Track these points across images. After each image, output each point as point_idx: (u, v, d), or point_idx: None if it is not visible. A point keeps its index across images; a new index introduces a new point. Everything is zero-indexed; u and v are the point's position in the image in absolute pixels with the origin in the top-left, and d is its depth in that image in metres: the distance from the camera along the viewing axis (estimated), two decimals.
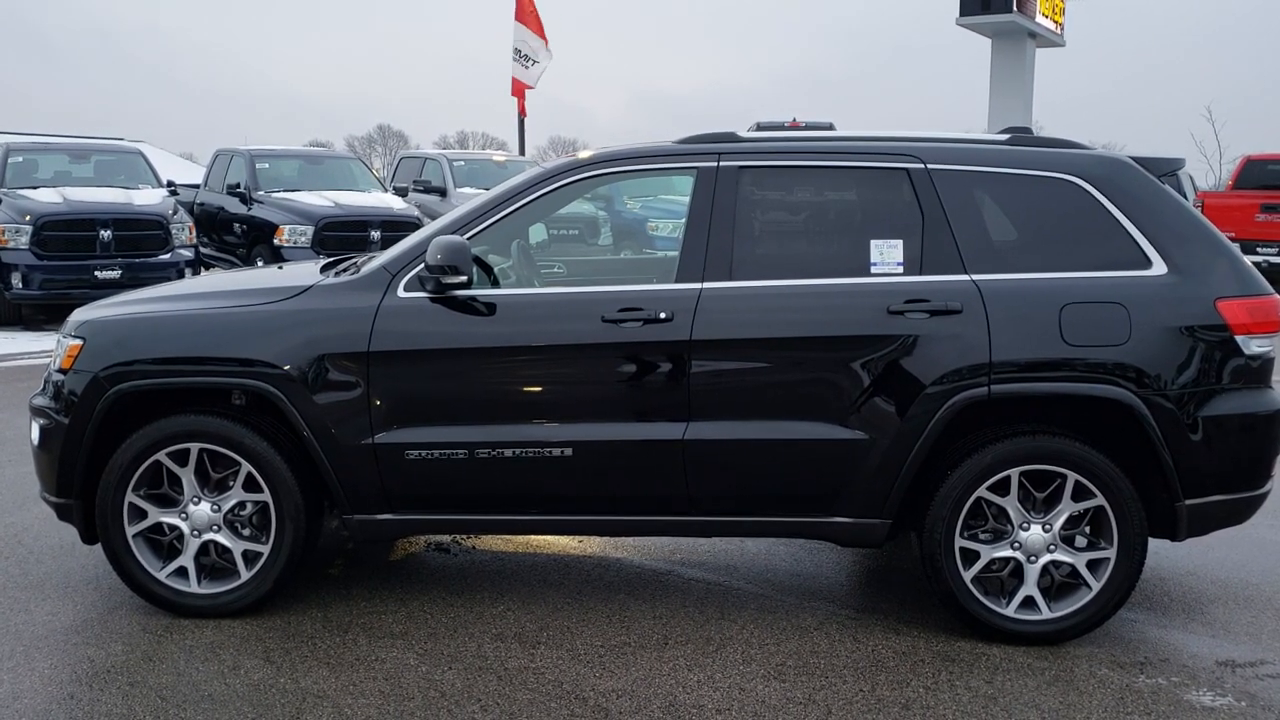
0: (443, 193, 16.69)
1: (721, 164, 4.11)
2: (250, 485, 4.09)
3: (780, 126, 4.42)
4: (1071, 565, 3.92)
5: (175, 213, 13.02)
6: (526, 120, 20.62)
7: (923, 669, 3.77)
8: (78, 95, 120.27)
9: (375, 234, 13.62)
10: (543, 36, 20.04)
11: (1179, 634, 4.10)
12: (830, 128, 4.41)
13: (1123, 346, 3.83)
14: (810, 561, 4.88)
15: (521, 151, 21.28)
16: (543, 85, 20.49)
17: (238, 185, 14.56)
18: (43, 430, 4.19)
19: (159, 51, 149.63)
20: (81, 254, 12.15)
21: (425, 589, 4.49)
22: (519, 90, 20.22)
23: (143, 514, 4.11)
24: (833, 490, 3.97)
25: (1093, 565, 3.91)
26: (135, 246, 12.47)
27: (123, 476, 4.05)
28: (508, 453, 3.99)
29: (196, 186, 16.03)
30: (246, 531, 4.14)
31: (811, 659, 3.84)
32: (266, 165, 14.84)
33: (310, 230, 13.34)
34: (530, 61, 20.05)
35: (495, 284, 4.30)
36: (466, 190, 16.07)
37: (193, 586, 4.13)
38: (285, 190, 14.39)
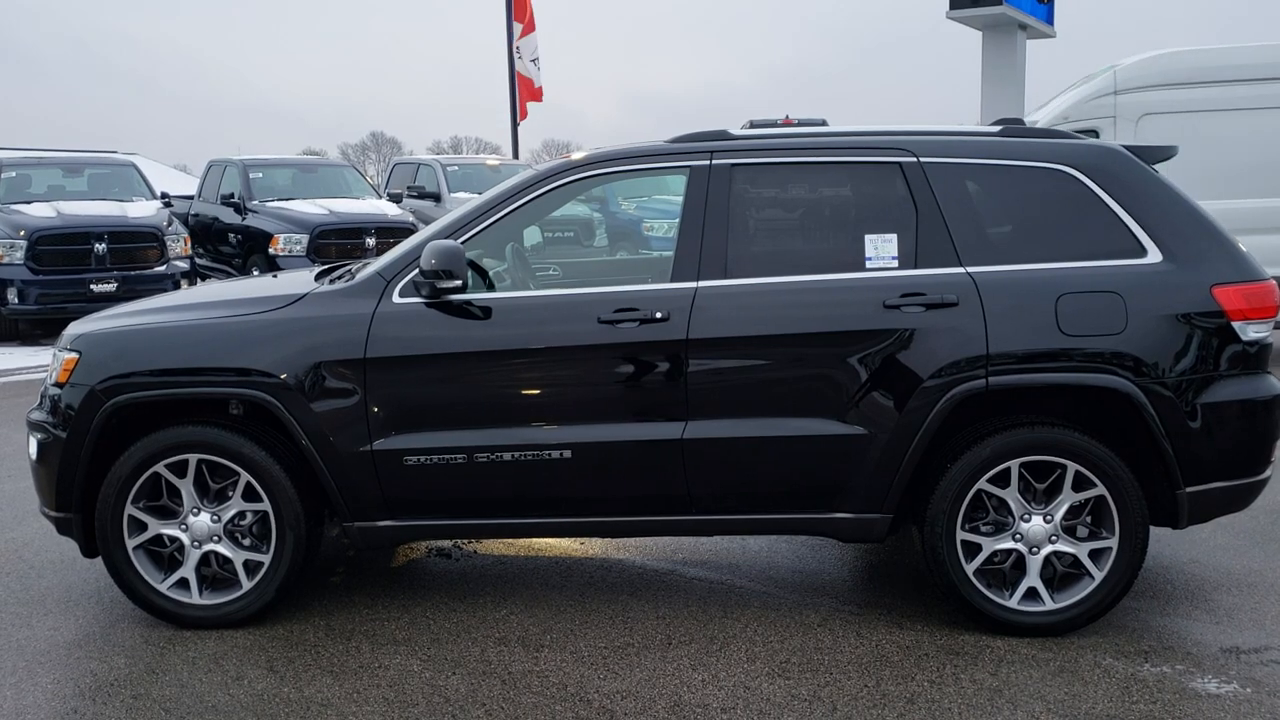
0: (437, 198, 16.69)
1: (714, 162, 4.11)
2: (250, 495, 4.09)
3: (773, 124, 4.41)
4: (1074, 555, 3.92)
5: (170, 224, 13.03)
6: (520, 123, 20.62)
7: (927, 663, 3.76)
8: (69, 109, 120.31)
9: (370, 241, 13.64)
10: (527, 23, 20.01)
11: (1183, 622, 4.10)
12: (823, 124, 4.41)
13: (1120, 335, 3.83)
14: (812, 558, 4.88)
15: (515, 155, 21.29)
16: None
17: (232, 195, 14.57)
18: (40, 444, 4.18)
19: (151, 64, 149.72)
20: (77, 267, 12.16)
21: (427, 595, 4.48)
22: (534, 94, 20.18)
23: (143, 526, 4.10)
24: (833, 486, 3.97)
25: (1095, 555, 3.91)
26: (130, 259, 12.48)
27: (121, 489, 4.04)
28: (507, 456, 3.99)
29: (190, 198, 16.03)
30: (247, 541, 4.13)
31: (815, 655, 3.84)
32: (260, 175, 14.85)
33: (305, 239, 13.35)
34: (535, 59, 20.03)
35: (490, 287, 4.29)
36: (461, 195, 16.07)
37: (194, 598, 4.12)
38: (279, 199, 14.40)
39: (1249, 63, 9.49)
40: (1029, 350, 3.85)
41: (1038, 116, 10.74)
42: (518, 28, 19.84)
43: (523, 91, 20.20)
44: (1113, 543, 3.87)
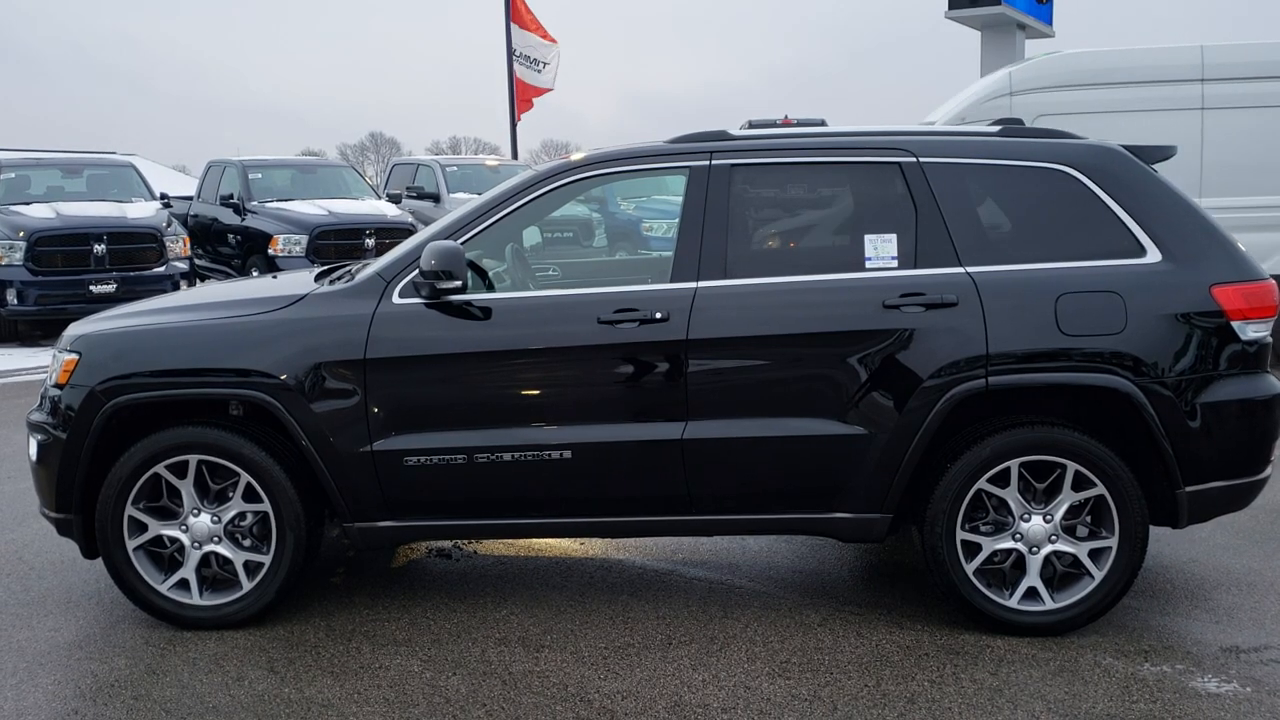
0: (436, 198, 16.70)
1: (714, 163, 4.11)
2: (250, 495, 4.09)
3: (772, 124, 4.42)
4: (1073, 555, 3.92)
5: (169, 225, 13.03)
6: (518, 124, 20.61)
7: (927, 663, 3.76)
8: (68, 110, 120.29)
9: (370, 241, 13.65)
10: (546, 36, 20.01)
11: (1182, 621, 4.10)
12: (822, 124, 4.41)
13: (1119, 335, 3.83)
14: (812, 558, 4.88)
15: (514, 155, 21.29)
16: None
17: (231, 196, 14.57)
18: (40, 446, 4.18)
19: (150, 65, 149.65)
20: (76, 268, 12.15)
21: (428, 595, 4.48)
22: (533, 94, 20.17)
23: (143, 527, 4.10)
24: (833, 486, 3.97)
25: (1095, 555, 3.91)
26: (130, 260, 12.48)
27: (122, 490, 4.04)
28: (507, 456, 3.99)
29: (190, 198, 16.03)
30: (247, 542, 4.13)
31: (815, 655, 3.84)
32: (259, 176, 14.86)
33: (304, 239, 13.36)
34: (540, 64, 20.01)
35: (490, 288, 4.29)
36: (460, 195, 16.08)
37: (195, 598, 4.12)
38: (279, 200, 14.41)
39: (1142, 65, 9.54)
40: (1029, 350, 3.85)
41: (935, 117, 10.69)
42: (526, 35, 19.81)
43: (524, 90, 20.19)
44: (1112, 542, 3.88)
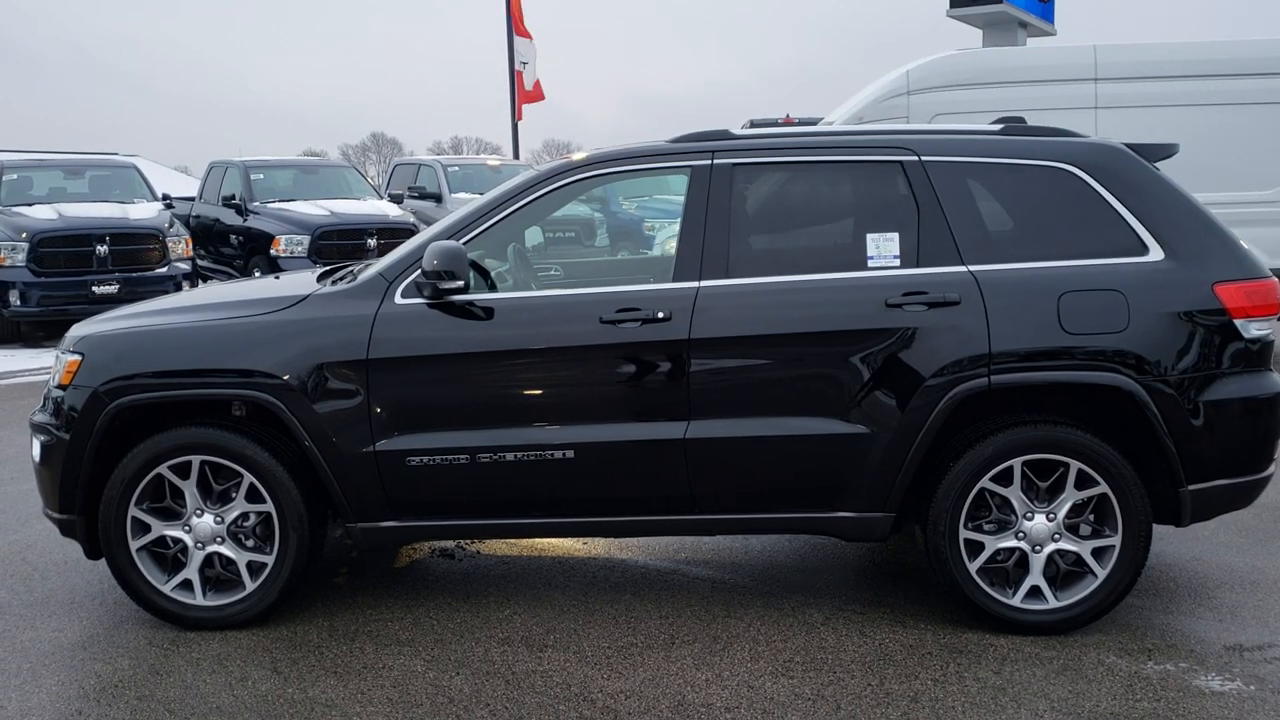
0: (438, 199, 16.71)
1: (715, 162, 4.11)
2: (253, 496, 4.09)
3: (773, 124, 4.42)
4: (1076, 554, 3.92)
5: (171, 226, 13.04)
6: (520, 123, 20.68)
7: (930, 661, 3.76)
8: (69, 111, 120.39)
9: (372, 242, 13.66)
10: (525, 32, 20.16)
11: (1186, 619, 4.10)
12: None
13: (1122, 333, 3.83)
14: (815, 557, 4.88)
15: (516, 155, 21.31)
16: None
17: (233, 197, 14.58)
18: (44, 446, 4.18)
19: (150, 65, 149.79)
20: (79, 269, 12.17)
21: (431, 595, 4.48)
22: (527, 95, 20.32)
23: (146, 528, 4.11)
24: (835, 485, 3.97)
25: (1098, 553, 3.91)
26: (132, 261, 12.50)
27: (125, 491, 4.04)
28: (509, 456, 3.99)
29: (192, 199, 16.05)
30: (250, 542, 4.13)
31: (819, 654, 3.84)
32: (261, 176, 14.87)
33: (306, 240, 13.37)
34: (523, 64, 20.15)
35: (492, 288, 4.29)
36: (462, 195, 16.09)
37: (198, 599, 4.12)
38: (281, 200, 14.42)
39: (1037, 64, 9.60)
40: (1031, 349, 3.85)
41: (834, 117, 10.67)
42: (519, 39, 19.96)
43: (519, 92, 20.31)
44: (1115, 541, 3.87)
